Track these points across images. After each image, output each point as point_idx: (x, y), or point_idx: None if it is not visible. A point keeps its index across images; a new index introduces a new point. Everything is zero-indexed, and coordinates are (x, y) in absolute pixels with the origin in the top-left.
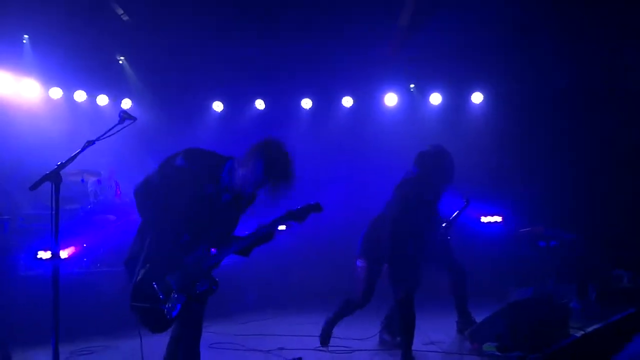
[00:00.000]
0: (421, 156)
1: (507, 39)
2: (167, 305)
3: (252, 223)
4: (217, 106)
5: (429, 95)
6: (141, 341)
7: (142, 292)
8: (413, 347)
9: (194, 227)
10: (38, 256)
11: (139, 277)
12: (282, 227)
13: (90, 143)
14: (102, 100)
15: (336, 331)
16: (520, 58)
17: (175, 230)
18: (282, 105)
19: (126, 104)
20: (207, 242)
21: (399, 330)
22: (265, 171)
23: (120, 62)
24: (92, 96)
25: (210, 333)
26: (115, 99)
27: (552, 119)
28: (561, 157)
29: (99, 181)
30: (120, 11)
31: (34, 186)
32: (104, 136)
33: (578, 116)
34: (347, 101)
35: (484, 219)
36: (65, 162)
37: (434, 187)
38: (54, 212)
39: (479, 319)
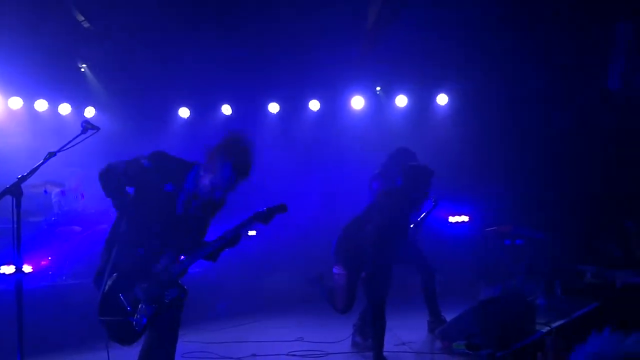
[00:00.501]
0: (409, 170)
1: (472, 39)
2: (135, 317)
3: (217, 227)
4: (184, 112)
5: (395, 97)
6: (108, 354)
7: (109, 304)
8: (385, 348)
9: (160, 232)
10: (0, 271)
11: (105, 289)
12: (252, 232)
13: (52, 154)
14: (65, 109)
15: (308, 335)
16: (484, 58)
17: (140, 234)
18: (249, 110)
19: (89, 112)
20: (174, 250)
21: (371, 333)
22: (234, 172)
23: (82, 69)
24: (53, 105)
25: (183, 342)
26: (78, 108)
27: (517, 119)
28: (526, 155)
29: (62, 192)
30: (81, 18)
31: None
32: (66, 147)
33: (542, 115)
34: (315, 105)
35: (451, 219)
36: (27, 174)
37: (415, 201)
38: (15, 226)
39: (449, 317)
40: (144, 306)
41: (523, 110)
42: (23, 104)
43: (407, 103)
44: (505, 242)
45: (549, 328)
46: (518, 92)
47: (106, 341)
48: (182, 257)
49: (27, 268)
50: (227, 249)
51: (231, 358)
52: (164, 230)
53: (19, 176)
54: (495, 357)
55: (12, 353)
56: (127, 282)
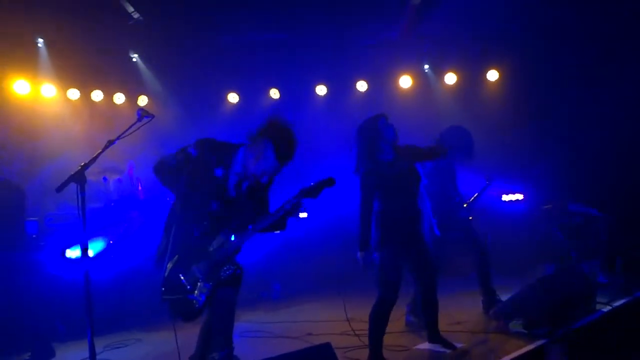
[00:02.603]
0: (445, 133)
1: (521, 14)
2: (195, 295)
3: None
4: (233, 97)
5: (444, 75)
6: (175, 333)
7: (170, 284)
8: (441, 328)
9: (214, 214)
10: (66, 255)
11: (166, 271)
12: (303, 215)
13: (111, 142)
14: (119, 98)
15: (359, 314)
16: (536, 33)
17: (196, 217)
18: (297, 93)
19: (142, 101)
20: (228, 230)
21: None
22: (276, 154)
23: (134, 59)
24: (108, 95)
25: (239, 322)
26: (132, 97)
27: (571, 93)
28: (581, 131)
29: (120, 179)
30: (130, 9)
31: (60, 188)
32: (124, 135)
33: (599, 89)
34: (362, 85)
35: (505, 198)
36: (88, 162)
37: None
38: (80, 212)
39: (503, 297)
40: (202, 284)
41: (578, 86)
42: (80, 95)
43: (457, 80)
44: (562, 220)
45: (609, 307)
46: (570, 68)
47: (173, 320)
48: (235, 236)
49: (91, 252)
50: (289, 218)
51: (287, 337)
52: (217, 212)
53: (81, 164)
54: (555, 336)
55: (80, 333)
56: (186, 263)
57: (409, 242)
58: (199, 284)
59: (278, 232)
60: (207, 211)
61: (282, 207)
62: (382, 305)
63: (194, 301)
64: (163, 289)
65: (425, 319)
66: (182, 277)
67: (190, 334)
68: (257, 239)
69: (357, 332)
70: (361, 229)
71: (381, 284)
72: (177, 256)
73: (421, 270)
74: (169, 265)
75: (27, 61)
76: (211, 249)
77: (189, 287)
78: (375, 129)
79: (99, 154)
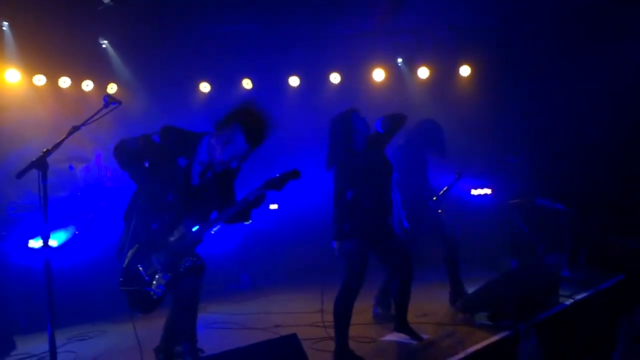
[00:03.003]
0: (420, 125)
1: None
2: (152, 287)
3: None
4: (204, 87)
5: (417, 69)
6: (134, 325)
7: (129, 274)
8: (408, 319)
9: (175, 204)
10: (29, 245)
11: (125, 261)
12: (273, 206)
13: (76, 128)
14: (87, 85)
15: (329, 306)
16: (507, 26)
17: (156, 206)
18: (270, 83)
19: (112, 88)
20: (190, 220)
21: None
22: (246, 137)
23: (104, 45)
24: (77, 82)
25: (208, 313)
26: (101, 84)
27: (541, 89)
28: (550, 127)
29: (87, 167)
30: None
31: (20, 174)
32: (90, 121)
33: (567, 84)
34: (335, 77)
35: (474, 192)
36: (51, 148)
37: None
38: (42, 201)
39: (470, 289)
40: (160, 275)
41: (548, 80)
42: (47, 81)
43: (429, 74)
44: (529, 213)
45: (572, 300)
46: (542, 61)
47: (132, 313)
48: (198, 227)
49: (53, 242)
50: (254, 210)
51: (254, 329)
52: (179, 202)
53: (44, 150)
54: (518, 328)
55: (43, 325)
56: (145, 253)
57: (379, 233)
58: (157, 275)
59: (243, 223)
60: (167, 201)
61: (245, 199)
62: (347, 294)
63: (152, 293)
64: (121, 279)
65: (396, 308)
66: (140, 268)
67: (154, 325)
68: (226, 230)
69: (325, 324)
70: (335, 219)
71: (347, 273)
72: (136, 246)
73: (398, 260)
74: (128, 255)
75: None
76: (171, 239)
77: (147, 278)
78: (348, 122)
79: (63, 139)
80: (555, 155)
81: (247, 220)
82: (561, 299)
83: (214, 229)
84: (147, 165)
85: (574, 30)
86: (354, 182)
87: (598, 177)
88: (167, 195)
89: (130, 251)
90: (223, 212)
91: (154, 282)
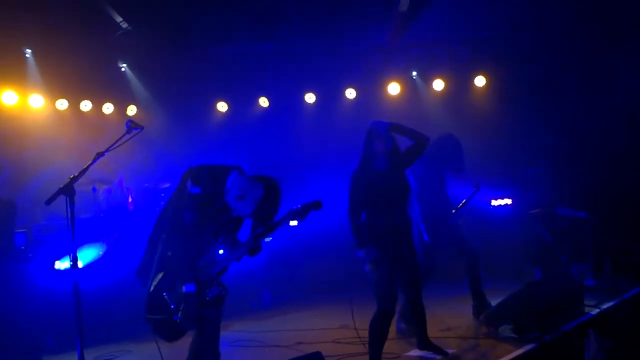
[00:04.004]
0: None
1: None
2: (179, 315)
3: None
4: (222, 106)
5: (432, 81)
6: (158, 347)
7: (154, 303)
8: (430, 334)
9: (203, 234)
10: (55, 266)
11: (151, 288)
12: (293, 223)
13: (100, 154)
14: (108, 108)
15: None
16: (524, 36)
17: (184, 235)
18: (286, 101)
19: (131, 110)
20: (214, 250)
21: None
22: (259, 203)
23: (123, 69)
24: (97, 105)
25: (231, 332)
26: (121, 107)
27: (558, 98)
28: (570, 135)
29: (109, 190)
30: (119, 19)
31: (49, 200)
32: (113, 147)
33: (585, 94)
34: (351, 93)
35: (494, 202)
36: (78, 174)
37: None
38: (69, 224)
39: (494, 302)
40: (185, 304)
41: (564, 88)
42: (69, 105)
43: (445, 86)
44: (550, 223)
45: (598, 310)
46: (558, 69)
47: (156, 339)
48: (222, 256)
49: (80, 263)
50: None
51: (277, 346)
52: (208, 231)
53: (71, 176)
54: (543, 340)
55: (70, 345)
56: (171, 281)
57: (399, 256)
58: (183, 304)
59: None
60: (197, 230)
61: (257, 234)
62: (380, 317)
63: (178, 322)
64: (146, 307)
65: (415, 327)
66: (166, 296)
67: (178, 345)
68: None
69: (361, 339)
70: (354, 230)
71: (378, 298)
72: (162, 273)
73: (407, 281)
74: (154, 282)
75: (15, 72)
76: (198, 267)
77: (172, 306)
78: (369, 138)
79: (89, 166)
80: (576, 163)
81: (256, 254)
82: (586, 309)
83: (239, 258)
84: (191, 215)
85: (590, 38)
86: (369, 200)
87: (620, 185)
88: (198, 225)
89: (156, 278)
90: (234, 250)
91: (180, 312)
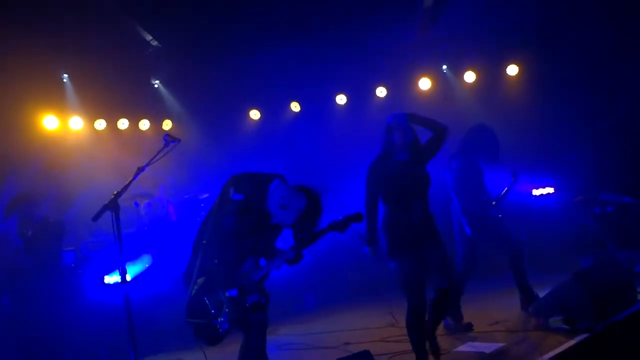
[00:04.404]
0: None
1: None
2: (219, 320)
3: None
4: (254, 114)
5: (463, 73)
6: (205, 353)
7: (195, 307)
8: (478, 328)
9: (244, 240)
10: (105, 281)
11: (192, 292)
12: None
13: (141, 169)
14: (144, 124)
15: (399, 320)
16: (555, 24)
17: (226, 240)
18: (317, 104)
19: (167, 125)
20: (256, 256)
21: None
22: (301, 213)
23: (156, 85)
24: (134, 122)
25: (278, 336)
26: (156, 122)
27: (594, 83)
28: (608, 119)
29: (150, 203)
30: (148, 37)
31: (96, 217)
32: (153, 161)
33: (622, 76)
34: (381, 91)
35: (535, 192)
36: (121, 190)
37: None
38: (117, 239)
39: (541, 293)
40: (227, 310)
41: (597, 74)
42: (106, 125)
43: (476, 78)
44: (596, 210)
45: None
46: (592, 54)
47: (198, 344)
48: (263, 263)
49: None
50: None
51: (325, 347)
52: (249, 238)
53: (114, 192)
54: (596, 330)
55: (121, 356)
56: (213, 286)
57: (422, 245)
58: (224, 309)
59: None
60: (238, 237)
61: (299, 244)
62: (412, 313)
63: (218, 326)
64: (187, 311)
65: (429, 318)
66: (207, 301)
67: (227, 351)
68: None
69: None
70: (367, 224)
71: (405, 292)
72: (203, 278)
73: (435, 273)
74: (195, 287)
75: (54, 97)
76: (239, 274)
77: (213, 311)
78: (395, 127)
79: (131, 181)
80: (617, 147)
81: (296, 263)
82: (639, 296)
83: (278, 267)
84: (234, 221)
85: (622, 24)
86: (387, 193)
87: None
88: (239, 231)
89: (197, 283)
90: (274, 258)
91: (221, 317)
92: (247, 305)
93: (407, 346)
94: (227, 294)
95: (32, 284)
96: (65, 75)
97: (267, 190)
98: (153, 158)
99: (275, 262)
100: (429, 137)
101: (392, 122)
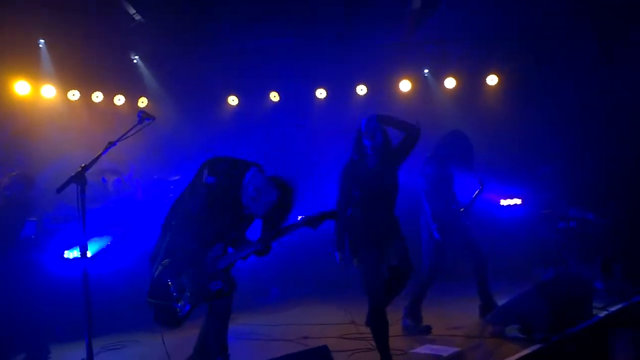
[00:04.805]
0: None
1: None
2: (179, 304)
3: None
4: (232, 100)
5: (444, 79)
6: (162, 338)
7: (157, 287)
8: (436, 332)
9: (214, 227)
10: (65, 256)
11: (156, 273)
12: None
13: (112, 144)
14: (119, 100)
15: (359, 319)
16: (535, 35)
17: (195, 226)
18: (297, 96)
19: (142, 102)
20: (223, 244)
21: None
22: (273, 204)
23: (135, 61)
24: (108, 97)
25: (237, 325)
26: (132, 99)
27: (569, 98)
28: (582, 135)
29: (118, 180)
30: (132, 11)
31: (60, 188)
32: (125, 136)
33: (597, 92)
34: (362, 89)
35: (503, 202)
36: (89, 163)
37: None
38: (80, 213)
39: (501, 301)
40: (188, 294)
41: (577, 88)
42: (80, 96)
43: (456, 84)
44: (560, 224)
45: (606, 312)
46: (571, 71)
47: (158, 325)
48: (230, 251)
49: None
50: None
51: (283, 340)
52: (217, 226)
53: (82, 165)
54: (551, 341)
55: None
56: (177, 269)
57: (384, 245)
58: (185, 293)
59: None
60: (207, 224)
61: (268, 236)
62: (374, 311)
63: (178, 310)
64: (149, 290)
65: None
66: (170, 283)
67: (185, 335)
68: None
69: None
70: (336, 229)
71: (368, 294)
72: (167, 260)
73: (391, 258)
74: (160, 268)
75: (28, 62)
76: (205, 261)
77: (175, 294)
78: (365, 131)
79: (100, 155)
80: (587, 164)
81: (264, 255)
82: (594, 311)
83: (246, 257)
84: (202, 203)
85: (604, 37)
86: (356, 195)
87: (633, 186)
88: (208, 216)
89: (163, 264)
90: (242, 247)
91: (181, 301)
92: (212, 291)
93: (365, 344)
94: (189, 279)
95: None
96: (42, 41)
97: (243, 179)
98: (125, 134)
99: (243, 252)
100: (401, 139)
101: (362, 126)
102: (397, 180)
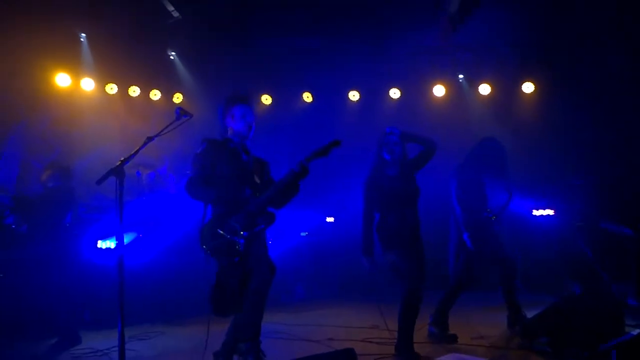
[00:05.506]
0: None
1: (557, 23)
2: (236, 237)
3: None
4: (266, 99)
5: (478, 85)
6: (208, 326)
7: (208, 236)
8: (461, 341)
9: (236, 175)
10: (98, 246)
11: (203, 227)
12: (330, 219)
13: (150, 139)
14: (155, 95)
15: (383, 323)
16: (572, 43)
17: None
18: (330, 97)
19: (177, 98)
20: (251, 188)
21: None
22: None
23: (172, 57)
24: (145, 91)
25: (264, 323)
26: (168, 94)
27: (606, 107)
28: (619, 146)
29: (152, 174)
30: (170, 8)
31: (100, 180)
32: (163, 132)
33: (636, 104)
34: (395, 93)
35: (535, 212)
36: (128, 157)
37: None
38: (118, 206)
39: (530, 313)
40: (242, 232)
41: (613, 98)
42: (118, 90)
43: (491, 91)
44: (593, 238)
45: (639, 330)
46: (608, 79)
47: (208, 315)
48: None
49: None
50: (300, 180)
51: (308, 340)
52: (238, 174)
53: (122, 159)
54: (582, 358)
55: (106, 322)
56: (223, 219)
57: (409, 245)
58: (238, 232)
59: (293, 197)
60: (232, 174)
61: (292, 170)
62: (411, 294)
63: (236, 241)
64: (201, 239)
65: (399, 323)
66: (220, 231)
67: (217, 330)
68: (281, 240)
69: (381, 340)
70: (363, 236)
71: (404, 278)
72: (214, 216)
73: (412, 274)
74: (207, 223)
75: (69, 55)
76: (244, 205)
77: (228, 236)
78: (384, 144)
79: (139, 149)
80: (623, 177)
81: (297, 192)
82: (627, 329)
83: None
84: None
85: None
86: (381, 203)
87: None
88: (229, 171)
89: (210, 220)
90: (266, 189)
91: (239, 237)
92: (256, 230)
93: (390, 349)
94: (237, 221)
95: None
96: (83, 35)
97: (226, 138)
98: (163, 129)
99: (284, 180)
100: (419, 151)
101: (383, 139)
102: (417, 187)
